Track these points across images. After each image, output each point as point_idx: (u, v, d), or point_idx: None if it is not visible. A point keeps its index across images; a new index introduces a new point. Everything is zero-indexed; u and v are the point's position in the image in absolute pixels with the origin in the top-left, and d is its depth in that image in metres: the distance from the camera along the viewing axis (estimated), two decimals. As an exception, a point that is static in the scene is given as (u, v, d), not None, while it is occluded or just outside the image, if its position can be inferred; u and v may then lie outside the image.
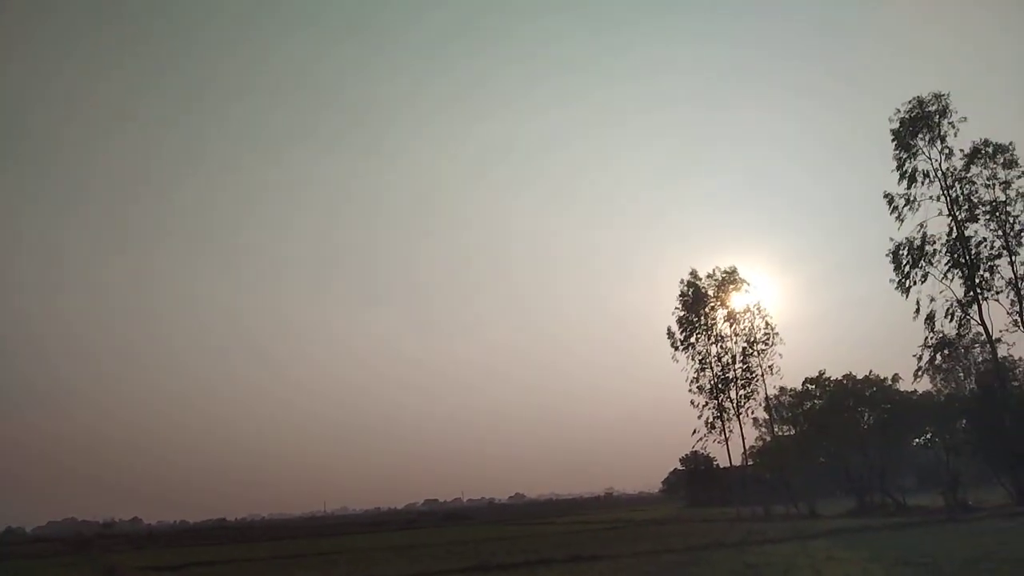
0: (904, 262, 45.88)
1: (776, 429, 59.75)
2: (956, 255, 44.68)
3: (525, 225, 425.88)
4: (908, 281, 45.70)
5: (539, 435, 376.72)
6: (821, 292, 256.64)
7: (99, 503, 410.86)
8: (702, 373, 59.81)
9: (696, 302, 60.77)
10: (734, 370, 58.75)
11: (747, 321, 58.97)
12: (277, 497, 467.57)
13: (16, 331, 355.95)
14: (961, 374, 54.63)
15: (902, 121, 46.57)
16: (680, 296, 61.66)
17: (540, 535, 45.25)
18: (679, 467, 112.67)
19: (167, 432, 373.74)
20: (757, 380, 57.79)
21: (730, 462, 61.67)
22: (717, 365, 59.49)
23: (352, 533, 74.57)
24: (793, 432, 58.29)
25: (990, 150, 44.24)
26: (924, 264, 45.45)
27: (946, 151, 45.35)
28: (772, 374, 57.33)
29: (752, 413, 58.51)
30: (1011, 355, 46.33)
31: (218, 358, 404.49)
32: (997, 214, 43.81)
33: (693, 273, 61.62)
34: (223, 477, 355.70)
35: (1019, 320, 42.70)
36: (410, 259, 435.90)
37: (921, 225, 45.70)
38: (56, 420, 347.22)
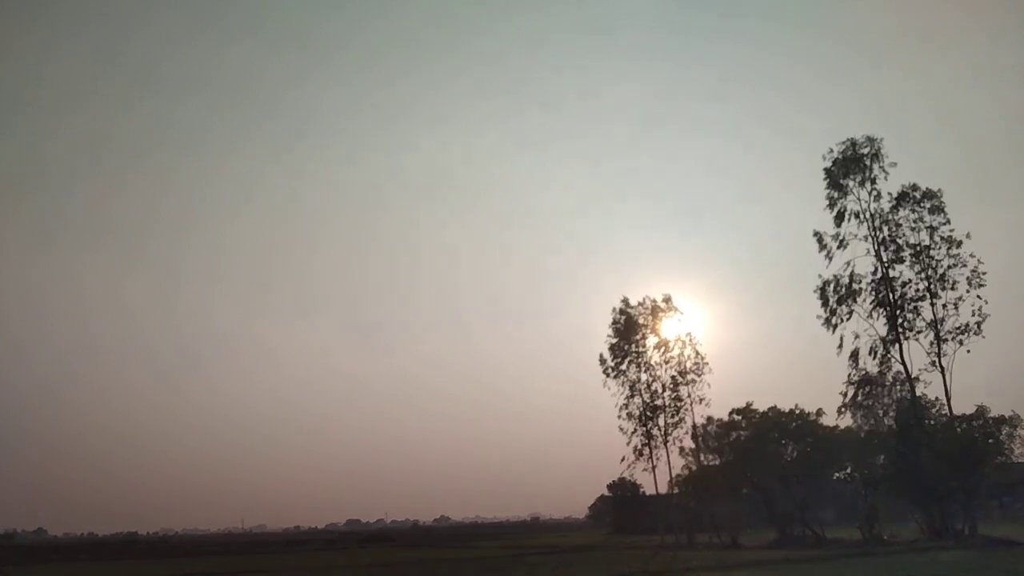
0: (831, 299, 47.05)
1: (702, 458, 60.35)
2: (881, 295, 46.02)
3: (466, 242, 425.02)
4: (835, 318, 46.88)
5: (466, 456, 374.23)
6: (750, 321, 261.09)
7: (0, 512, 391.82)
8: (631, 400, 60.49)
9: (628, 329, 61.42)
10: (663, 398, 59.52)
11: (677, 349, 59.86)
12: (192, 512, 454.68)
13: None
14: (880, 411, 56.02)
15: (835, 161, 47.90)
16: (612, 323, 62.28)
17: (465, 559, 44.66)
18: (606, 493, 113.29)
19: (75, 440, 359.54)
20: (685, 409, 58.69)
21: (656, 490, 62.17)
22: (647, 393, 60.15)
23: (269, 552, 72.52)
24: (718, 462, 58.96)
25: (918, 195, 45.83)
26: (850, 302, 46.67)
27: (875, 193, 46.83)
28: (700, 403, 58.26)
29: (680, 442, 59.32)
30: (926, 394, 47.68)
31: (139, 364, 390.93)
32: (921, 257, 45.33)
33: (625, 300, 62.41)
34: (135, 489, 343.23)
35: (937, 361, 44.14)
36: (348, 272, 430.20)
37: (849, 263, 46.97)
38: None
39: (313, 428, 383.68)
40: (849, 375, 46.58)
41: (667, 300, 61.26)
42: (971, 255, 44.44)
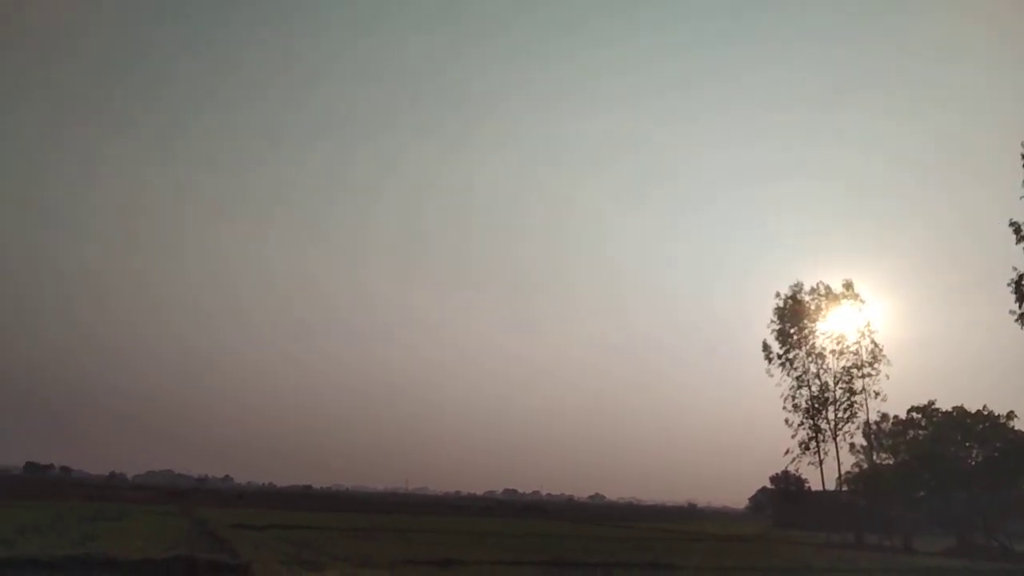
0: (1029, 294, 42.82)
1: (875, 457, 56.99)
2: (1086, 290, 41.39)
3: (623, 224, 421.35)
4: (1031, 315, 42.63)
5: (624, 436, 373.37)
6: (933, 315, 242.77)
7: (195, 459, 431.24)
8: (798, 391, 57.66)
9: (796, 316, 58.52)
10: (834, 391, 56.39)
11: (853, 340, 56.50)
12: (361, 470, 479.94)
13: (134, 291, 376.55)
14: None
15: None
16: (778, 309, 59.49)
17: (619, 538, 44.55)
18: (768, 485, 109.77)
19: (262, 399, 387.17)
20: (858, 404, 55.32)
21: (823, 485, 59.29)
22: (815, 384, 57.21)
23: (431, 513, 75.44)
24: (893, 462, 55.55)
25: None
26: (1050, 298, 42.31)
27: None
28: (875, 398, 54.82)
29: (850, 437, 56.01)
30: None
31: (305, 332, 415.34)
32: None
33: (798, 285, 59.44)
34: (312, 446, 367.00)
35: None
36: (505, 249, 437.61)
37: (1050, 256, 42.50)
38: (166, 379, 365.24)
39: (480, 401, 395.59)
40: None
41: (848, 286, 57.70)
42: None
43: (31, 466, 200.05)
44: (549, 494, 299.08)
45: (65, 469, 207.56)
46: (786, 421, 57.65)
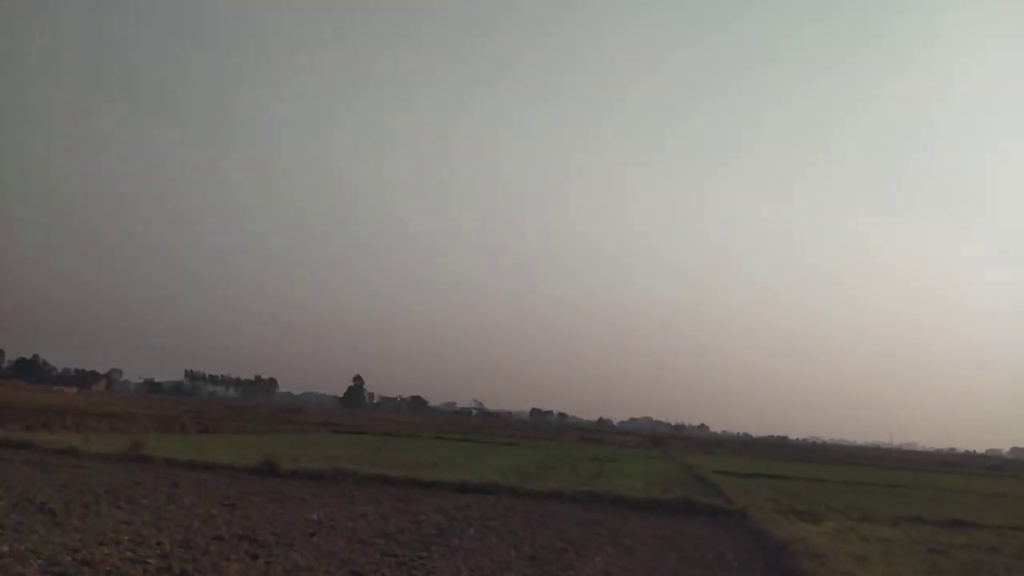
0: None
1: None
2: None
3: None
4: None
5: None
6: None
7: (671, 408, 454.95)
8: None
9: None
10: None
11: None
12: (840, 422, 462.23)
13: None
14: None
15: None
16: None
17: None
18: None
19: (736, 351, 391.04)
20: None
21: None
22: None
23: (922, 470, 69.39)
24: None
25: None
26: None
27: None
28: None
29: None
30: None
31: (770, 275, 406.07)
32: None
33: None
34: (787, 397, 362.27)
35: None
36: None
37: None
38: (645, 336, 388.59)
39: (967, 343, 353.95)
40: None
41: None
42: None
43: (535, 411, 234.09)
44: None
45: (562, 415, 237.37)
46: None
